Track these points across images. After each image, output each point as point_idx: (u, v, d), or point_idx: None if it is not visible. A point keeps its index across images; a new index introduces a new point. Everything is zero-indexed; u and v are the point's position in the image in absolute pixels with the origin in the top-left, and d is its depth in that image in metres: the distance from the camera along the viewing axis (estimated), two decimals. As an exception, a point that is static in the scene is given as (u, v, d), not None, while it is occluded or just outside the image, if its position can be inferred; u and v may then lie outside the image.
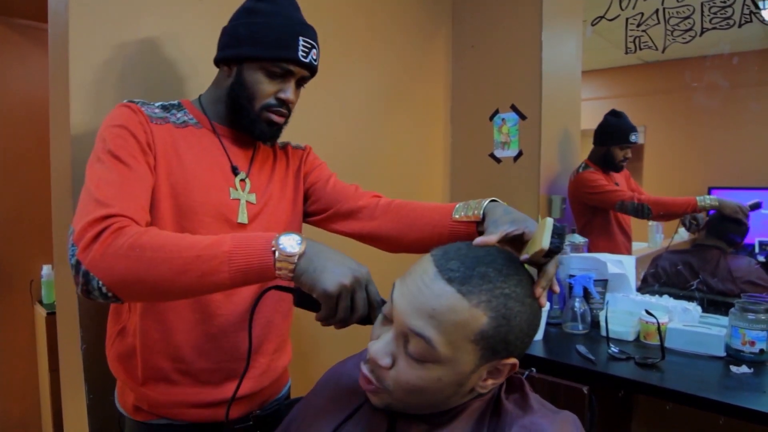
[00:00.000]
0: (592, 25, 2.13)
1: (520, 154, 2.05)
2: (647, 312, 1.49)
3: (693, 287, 1.89)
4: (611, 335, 1.55)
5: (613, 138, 2.09)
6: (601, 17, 2.09)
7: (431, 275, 0.65)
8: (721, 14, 1.81)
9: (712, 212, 1.96)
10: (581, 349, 1.46)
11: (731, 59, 1.90)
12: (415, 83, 2.06)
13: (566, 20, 2.12)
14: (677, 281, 1.96)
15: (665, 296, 1.73)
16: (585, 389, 1.11)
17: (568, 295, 1.69)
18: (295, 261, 0.73)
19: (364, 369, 0.70)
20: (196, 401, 0.97)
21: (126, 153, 0.86)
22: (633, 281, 1.77)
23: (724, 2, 1.79)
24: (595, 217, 2.12)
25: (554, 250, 0.70)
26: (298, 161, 1.13)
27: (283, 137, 1.08)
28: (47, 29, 1.26)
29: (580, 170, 2.12)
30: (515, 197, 2.04)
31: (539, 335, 1.59)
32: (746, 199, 1.90)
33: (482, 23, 2.13)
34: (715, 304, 1.78)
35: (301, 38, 0.96)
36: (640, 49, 2.02)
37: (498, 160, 2.11)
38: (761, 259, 1.88)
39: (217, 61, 1.02)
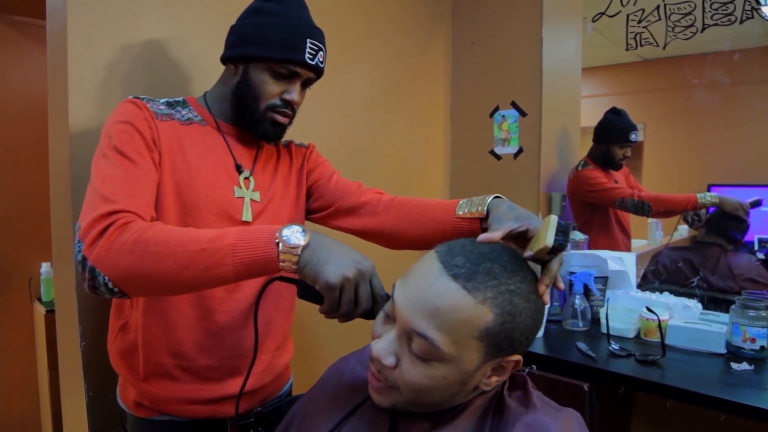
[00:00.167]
0: (593, 21, 2.12)
1: (520, 151, 2.05)
2: (648, 309, 1.49)
3: (693, 284, 1.89)
4: (612, 332, 1.55)
5: (613, 136, 2.08)
6: (602, 13, 2.09)
7: (435, 272, 0.65)
8: (722, 10, 1.81)
9: (711, 210, 1.95)
10: (582, 346, 1.46)
11: (731, 56, 1.89)
12: (415, 80, 2.05)
13: (566, 17, 2.12)
14: (677, 278, 1.96)
15: (665, 293, 1.73)
16: (585, 386, 1.11)
17: (569, 292, 1.69)
18: (299, 253, 0.73)
19: (372, 368, 0.69)
20: (197, 398, 0.97)
21: (131, 149, 0.86)
22: (633, 278, 1.77)
23: (726, -2, 1.79)
24: (594, 214, 2.11)
25: (558, 247, 0.70)
26: (302, 159, 1.14)
27: (284, 135, 1.07)
28: (45, 26, 1.25)
29: (580, 168, 2.12)
30: (515, 194, 2.04)
31: (540, 332, 1.59)
32: (746, 196, 1.90)
33: (482, 20, 2.12)
34: (715, 302, 1.78)
35: (308, 40, 0.95)
36: (641, 45, 2.02)
37: (498, 157, 2.11)
38: (761, 256, 1.88)
39: (224, 60, 1.02)
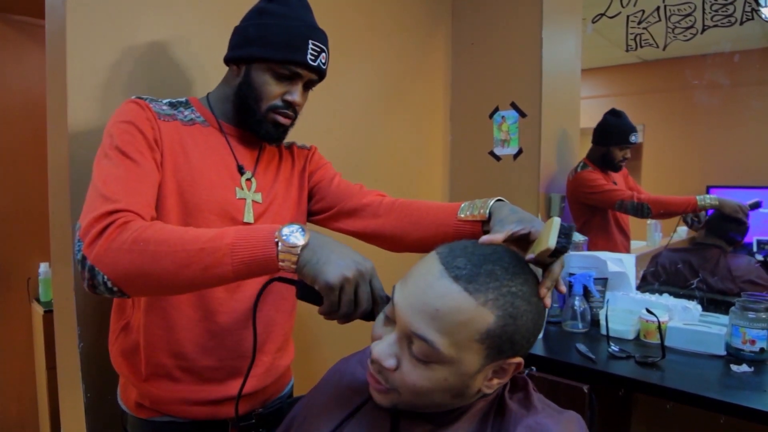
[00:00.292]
0: (593, 22, 2.12)
1: (519, 152, 2.04)
2: (648, 310, 1.49)
3: (693, 286, 1.89)
4: (611, 334, 1.55)
5: (612, 138, 2.08)
6: (602, 14, 2.09)
7: (436, 273, 0.65)
8: (722, 12, 1.81)
9: (710, 212, 1.95)
10: (581, 347, 1.46)
11: (731, 58, 1.89)
12: (415, 80, 2.05)
13: (566, 18, 2.12)
14: (677, 280, 1.96)
15: (665, 295, 1.73)
16: (585, 388, 1.11)
17: (568, 294, 1.69)
18: (299, 252, 0.72)
19: (372, 369, 0.69)
20: (198, 399, 0.97)
21: (133, 149, 0.86)
22: (633, 280, 1.77)
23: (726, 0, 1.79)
24: (593, 216, 2.11)
25: (560, 249, 0.70)
26: (303, 161, 1.14)
27: (286, 137, 1.07)
28: (45, 25, 1.24)
29: (579, 169, 2.12)
30: (515, 195, 2.04)
31: (539, 334, 1.58)
32: (745, 197, 1.90)
33: (482, 20, 2.12)
34: (714, 303, 1.78)
35: (310, 41, 0.95)
36: (641, 46, 2.02)
37: (498, 158, 2.11)
38: (760, 258, 1.88)
39: (227, 60, 1.02)
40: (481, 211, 0.91)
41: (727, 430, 1.35)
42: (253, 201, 1.01)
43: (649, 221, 2.21)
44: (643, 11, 1.98)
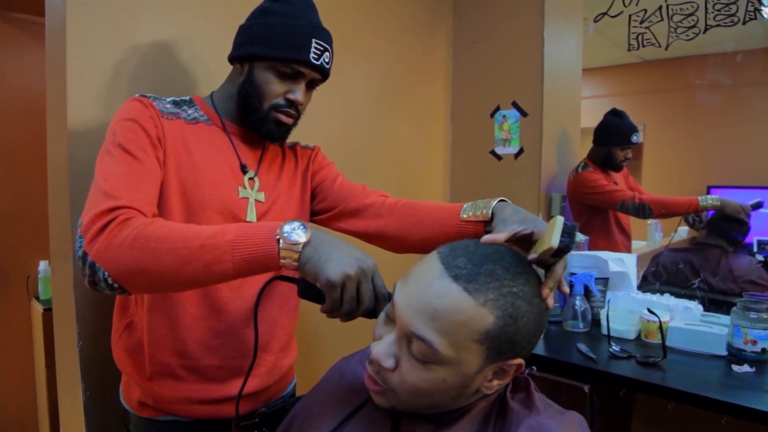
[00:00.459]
0: (595, 21, 2.12)
1: (521, 151, 2.04)
2: (649, 310, 1.48)
3: (694, 286, 1.89)
4: (612, 334, 1.54)
5: (614, 138, 2.08)
6: (604, 14, 2.08)
7: (436, 273, 0.64)
8: (725, 11, 1.80)
9: (711, 212, 1.95)
10: (582, 347, 1.45)
11: (732, 58, 1.89)
12: (416, 79, 2.05)
13: (568, 17, 2.11)
14: (678, 280, 1.96)
15: (666, 295, 1.72)
16: (586, 388, 1.11)
17: (569, 293, 1.68)
18: (300, 250, 0.72)
19: (369, 370, 0.68)
20: (201, 398, 0.97)
21: (136, 146, 0.86)
22: (634, 279, 1.76)
23: (729, -1, 1.79)
24: (594, 216, 2.11)
25: (563, 249, 0.69)
26: (307, 160, 1.13)
27: (289, 136, 1.07)
28: (45, 23, 1.24)
29: (580, 169, 2.11)
30: (515, 195, 2.03)
31: (539, 334, 1.58)
32: (746, 198, 1.90)
33: (484, 19, 2.12)
34: (716, 303, 1.78)
35: (314, 40, 0.95)
36: (643, 46, 2.02)
37: (499, 157, 2.10)
38: (760, 258, 1.88)
39: (231, 59, 1.02)
40: (484, 211, 0.91)
41: (728, 430, 1.35)
42: (255, 200, 1.01)
43: (649, 221, 2.20)
44: (645, 10, 1.98)
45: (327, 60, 0.99)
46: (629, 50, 2.05)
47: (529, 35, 1.99)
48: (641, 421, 1.64)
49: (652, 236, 2.34)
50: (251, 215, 0.99)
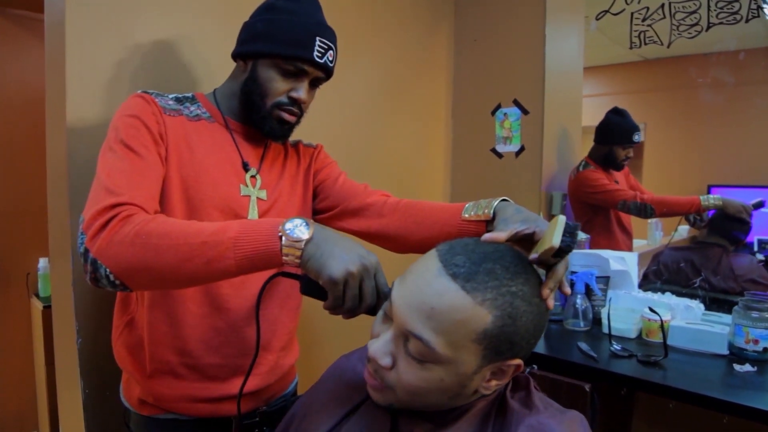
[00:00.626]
0: (597, 19, 2.11)
1: (522, 149, 2.03)
2: (651, 309, 1.48)
3: (696, 285, 1.89)
4: (613, 332, 1.54)
5: (616, 138, 2.07)
6: (606, 11, 2.08)
7: (434, 271, 0.64)
8: (728, 9, 1.79)
9: (711, 212, 1.95)
10: (583, 346, 1.45)
11: (733, 56, 1.88)
12: (417, 77, 2.04)
13: (569, 15, 2.11)
14: (679, 279, 1.95)
15: (667, 294, 1.72)
16: (587, 387, 1.11)
17: (570, 292, 1.68)
18: (302, 246, 0.71)
19: (369, 367, 0.68)
20: (202, 396, 0.97)
21: (138, 143, 0.86)
22: (635, 278, 1.76)
23: (732, -3, 1.78)
24: (595, 215, 2.10)
25: (565, 249, 0.68)
26: (309, 159, 1.13)
27: (292, 134, 1.06)
28: (44, 20, 1.23)
29: (581, 168, 2.11)
30: (516, 193, 2.03)
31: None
32: (746, 197, 1.90)
33: (485, 17, 2.11)
34: (717, 302, 1.77)
35: (317, 38, 0.94)
36: (645, 44, 2.01)
37: (500, 155, 2.10)
38: (761, 257, 1.88)
39: (234, 56, 1.01)
40: (486, 210, 0.90)
41: (730, 430, 1.34)
42: (257, 198, 1.00)
43: (650, 219, 2.20)
44: (648, 8, 1.97)
45: (331, 58, 0.98)
46: (631, 48, 2.04)
47: (530, 33, 1.98)
48: (642, 420, 1.64)
49: (653, 235, 2.34)
50: (253, 213, 0.99)
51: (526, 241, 0.78)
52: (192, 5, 1.30)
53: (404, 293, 0.65)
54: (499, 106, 2.08)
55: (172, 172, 0.91)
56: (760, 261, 1.90)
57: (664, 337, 1.38)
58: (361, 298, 0.72)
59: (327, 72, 1.00)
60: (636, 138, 2.05)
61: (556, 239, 0.68)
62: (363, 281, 0.72)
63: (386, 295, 0.73)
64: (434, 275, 0.63)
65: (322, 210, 1.12)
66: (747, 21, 1.76)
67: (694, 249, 2.00)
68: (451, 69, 2.20)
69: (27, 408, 2.51)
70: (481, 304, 0.61)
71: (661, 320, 1.44)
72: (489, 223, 0.90)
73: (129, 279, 0.74)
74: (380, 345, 0.66)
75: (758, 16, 1.75)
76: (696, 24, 1.87)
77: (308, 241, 0.72)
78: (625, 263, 1.74)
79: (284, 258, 0.72)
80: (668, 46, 1.96)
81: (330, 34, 0.98)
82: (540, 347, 1.49)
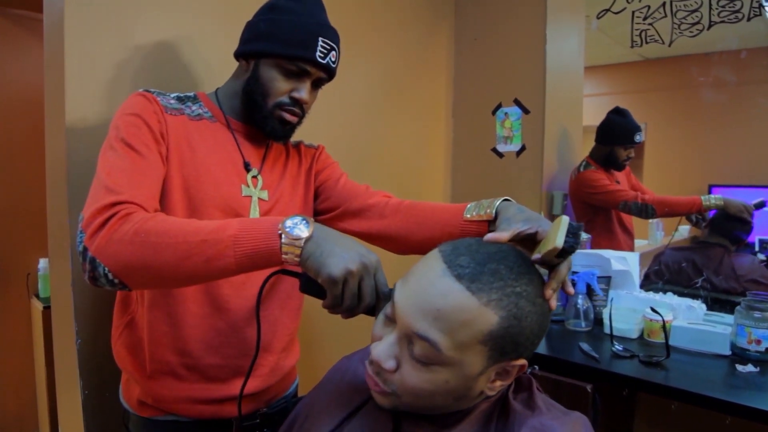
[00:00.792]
0: (597, 17, 2.11)
1: (522, 148, 2.03)
2: (652, 309, 1.47)
3: (698, 285, 1.88)
4: (615, 333, 1.53)
5: (617, 138, 2.07)
6: (607, 10, 2.07)
7: (438, 272, 0.63)
8: (729, 7, 1.79)
9: (713, 212, 1.94)
10: (584, 346, 1.44)
11: (734, 56, 1.88)
12: (417, 76, 2.04)
13: (570, 14, 2.10)
14: (680, 279, 1.95)
15: (669, 294, 1.71)
16: (588, 387, 1.10)
17: (573, 292, 1.67)
18: (302, 245, 0.71)
19: (369, 370, 0.67)
20: (202, 397, 0.96)
21: (139, 141, 0.86)
22: (637, 278, 1.76)
23: (733, -5, 1.77)
24: (596, 215, 2.10)
25: (568, 249, 0.68)
26: (311, 159, 1.13)
27: (293, 135, 1.06)
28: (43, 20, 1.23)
29: (582, 168, 2.10)
30: (517, 192, 2.02)
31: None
32: (747, 197, 1.90)
33: (486, 16, 2.10)
34: (719, 302, 1.77)
35: (320, 39, 0.94)
36: (646, 42, 2.00)
37: (500, 155, 2.09)
38: (762, 257, 1.87)
39: (237, 55, 1.01)
40: (488, 210, 0.89)
41: (732, 430, 1.34)
42: (259, 198, 1.00)
43: (651, 219, 2.20)
44: (649, 7, 1.97)
45: (333, 59, 0.98)
46: (632, 47, 2.04)
47: (531, 32, 1.98)
48: (644, 421, 1.63)
49: (654, 235, 2.34)
50: (254, 213, 0.98)
51: (528, 241, 0.77)
52: (192, 5, 1.30)
53: (408, 294, 0.64)
54: (499, 106, 2.08)
55: (174, 172, 0.91)
56: (762, 261, 1.89)
57: (666, 338, 1.37)
58: (360, 297, 0.71)
59: (329, 73, 1.00)
60: (637, 138, 2.05)
61: (559, 240, 0.67)
62: (362, 280, 0.71)
63: (386, 295, 0.72)
64: (438, 276, 0.63)
65: (324, 211, 1.12)
66: (749, 19, 1.76)
67: (695, 249, 1.99)
68: (451, 68, 2.19)
69: (27, 409, 2.51)
70: (486, 305, 0.61)
71: (663, 320, 1.43)
72: (491, 223, 0.89)
73: (128, 277, 0.73)
74: (384, 348, 0.65)
75: (760, 15, 1.74)
76: (697, 22, 1.87)
77: (308, 239, 0.71)
78: (626, 263, 1.73)
79: (284, 256, 0.71)
80: (669, 45, 1.95)
81: (333, 35, 0.97)
82: (541, 348, 1.48)
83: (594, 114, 2.23)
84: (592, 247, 1.94)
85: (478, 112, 2.14)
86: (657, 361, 1.34)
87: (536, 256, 0.70)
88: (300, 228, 0.71)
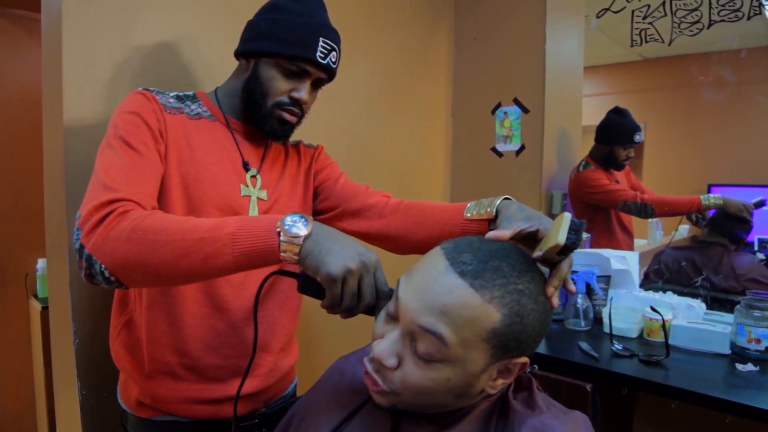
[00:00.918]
0: (597, 17, 2.10)
1: (522, 148, 2.03)
2: (652, 308, 1.47)
3: (697, 284, 1.88)
4: (614, 332, 1.53)
5: (617, 138, 2.06)
6: (607, 9, 2.07)
7: (442, 268, 0.63)
8: (729, 6, 1.79)
9: (712, 211, 1.94)
10: (584, 346, 1.44)
11: (733, 55, 1.88)
12: (416, 76, 2.03)
13: (569, 13, 2.10)
14: (680, 278, 1.95)
15: (669, 293, 1.71)
16: (588, 387, 1.10)
17: (575, 290, 1.67)
18: (301, 243, 0.70)
19: (369, 368, 0.66)
20: (201, 397, 0.96)
21: (137, 139, 0.85)
22: (636, 277, 1.75)
23: (733, -7, 1.77)
24: (596, 215, 2.10)
25: (570, 246, 0.67)
26: (310, 159, 1.12)
27: (293, 135, 1.06)
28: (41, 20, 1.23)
29: (581, 168, 2.10)
30: (517, 192, 2.02)
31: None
32: (747, 196, 1.90)
33: (485, 15, 2.10)
34: (719, 302, 1.77)
35: (321, 39, 0.94)
36: (646, 41, 2.00)
37: (500, 154, 2.09)
38: (761, 256, 1.87)
39: (237, 54, 1.01)
40: (488, 209, 0.89)
41: (732, 429, 1.34)
42: (258, 198, 1.00)
43: (650, 219, 2.20)
44: (649, 6, 1.97)
45: (334, 60, 0.98)
46: (632, 46, 2.04)
47: (530, 32, 1.98)
48: (644, 420, 1.63)
49: (653, 234, 2.34)
50: (253, 213, 0.98)
51: (530, 239, 0.77)
52: (191, 5, 1.30)
53: (413, 290, 0.64)
54: (499, 105, 2.08)
55: (172, 171, 0.90)
56: (761, 260, 1.89)
57: (666, 337, 1.37)
58: (359, 296, 0.71)
59: (329, 73, 0.99)
60: (637, 138, 2.05)
61: (561, 236, 0.67)
62: (362, 279, 0.70)
63: (386, 294, 0.72)
64: (442, 272, 0.62)
65: (323, 210, 1.12)
66: (749, 18, 1.75)
67: (695, 248, 1.99)
68: (451, 68, 2.19)
69: (25, 409, 2.50)
70: (489, 302, 0.60)
71: (663, 319, 1.43)
72: (491, 222, 0.89)
73: (124, 275, 0.73)
74: (386, 345, 0.64)
75: (760, 14, 1.74)
76: (697, 21, 1.87)
77: (307, 237, 0.70)
78: (626, 262, 1.73)
79: (282, 254, 0.70)
80: (669, 44, 1.95)
81: (334, 35, 0.97)
82: (541, 347, 1.48)
83: (593, 113, 2.23)
84: (591, 247, 1.94)
85: (477, 111, 2.13)
86: (657, 360, 1.34)
87: (537, 253, 0.70)
88: (299, 226, 0.71)
